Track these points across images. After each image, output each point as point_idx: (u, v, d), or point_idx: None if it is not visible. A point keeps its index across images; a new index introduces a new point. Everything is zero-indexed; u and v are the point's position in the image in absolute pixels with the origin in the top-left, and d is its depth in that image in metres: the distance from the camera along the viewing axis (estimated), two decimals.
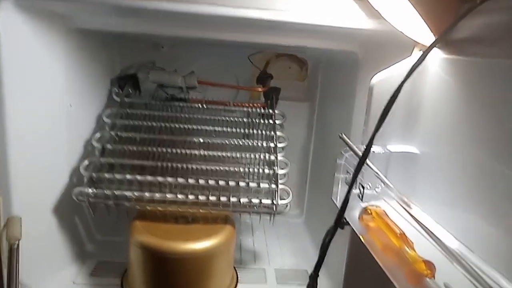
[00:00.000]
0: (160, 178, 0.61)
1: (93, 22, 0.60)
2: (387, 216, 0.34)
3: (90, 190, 0.59)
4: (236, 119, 0.75)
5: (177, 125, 0.72)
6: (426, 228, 0.29)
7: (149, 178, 0.61)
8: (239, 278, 0.69)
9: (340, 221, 0.35)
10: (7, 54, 0.49)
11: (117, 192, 0.59)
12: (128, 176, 0.61)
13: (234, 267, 0.70)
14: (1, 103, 0.49)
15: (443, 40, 0.37)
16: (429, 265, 0.28)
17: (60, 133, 0.63)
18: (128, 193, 0.59)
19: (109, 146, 0.65)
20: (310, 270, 0.74)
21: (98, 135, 0.67)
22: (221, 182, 0.62)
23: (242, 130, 0.73)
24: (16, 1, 0.48)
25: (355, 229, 0.37)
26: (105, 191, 0.59)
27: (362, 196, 0.38)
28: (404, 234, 0.31)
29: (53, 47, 0.59)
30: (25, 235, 0.54)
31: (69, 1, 0.49)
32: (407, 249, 0.30)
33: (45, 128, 0.59)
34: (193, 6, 0.48)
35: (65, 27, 0.60)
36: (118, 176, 0.61)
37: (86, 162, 0.63)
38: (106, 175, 0.61)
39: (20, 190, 0.54)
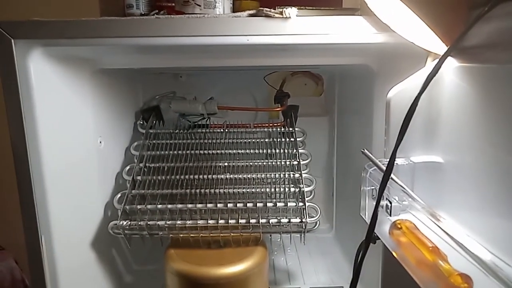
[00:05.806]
0: (190, 205, 0.63)
1: (115, 62, 0.63)
2: (418, 229, 0.34)
3: (124, 223, 0.61)
4: (257, 140, 0.77)
5: (201, 152, 0.74)
6: (457, 241, 0.28)
7: (179, 206, 0.63)
8: None
9: (371, 238, 0.35)
10: (40, 99, 0.52)
11: (150, 223, 0.61)
12: (160, 206, 0.63)
13: None
14: (37, 147, 0.52)
15: (456, 49, 0.38)
16: (466, 278, 0.28)
17: (93, 170, 0.66)
18: (161, 223, 0.61)
19: (138, 178, 0.68)
20: (345, 286, 0.73)
21: (127, 168, 0.70)
22: (249, 204, 0.63)
23: (264, 151, 0.74)
24: (44, 49, 0.52)
25: (386, 245, 0.37)
26: (139, 223, 0.61)
27: (391, 211, 0.38)
28: (436, 247, 0.31)
29: (81, 89, 0.62)
30: (65, 271, 0.56)
31: (91, 45, 0.52)
32: (441, 263, 0.29)
33: (79, 166, 0.62)
34: (207, 38, 0.50)
35: (90, 68, 0.63)
36: (149, 206, 0.63)
37: (118, 195, 0.66)
38: (139, 207, 0.63)
39: (60, 228, 0.56)
